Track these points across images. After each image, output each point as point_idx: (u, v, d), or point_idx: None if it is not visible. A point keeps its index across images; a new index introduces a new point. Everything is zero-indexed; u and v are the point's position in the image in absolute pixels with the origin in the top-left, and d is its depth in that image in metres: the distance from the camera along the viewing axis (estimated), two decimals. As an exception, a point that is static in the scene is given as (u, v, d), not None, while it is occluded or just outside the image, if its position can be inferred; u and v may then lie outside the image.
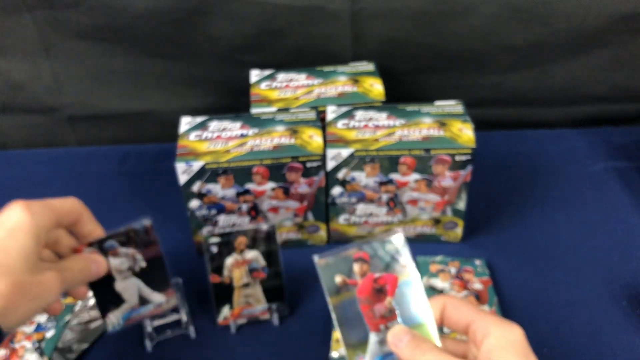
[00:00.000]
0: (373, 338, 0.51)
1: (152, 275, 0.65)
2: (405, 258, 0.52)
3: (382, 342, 0.50)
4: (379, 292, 0.52)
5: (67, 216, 0.60)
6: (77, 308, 0.74)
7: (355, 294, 0.51)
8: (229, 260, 0.70)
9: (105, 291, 0.64)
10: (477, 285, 0.73)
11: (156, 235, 0.65)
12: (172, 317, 0.72)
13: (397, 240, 0.52)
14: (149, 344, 0.70)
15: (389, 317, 0.51)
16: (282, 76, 0.85)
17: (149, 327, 0.71)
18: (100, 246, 0.63)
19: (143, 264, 0.65)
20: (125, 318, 0.66)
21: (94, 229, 0.63)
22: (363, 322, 0.51)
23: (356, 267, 0.52)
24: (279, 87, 0.83)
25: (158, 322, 0.72)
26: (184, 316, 0.72)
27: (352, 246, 0.51)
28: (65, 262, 0.59)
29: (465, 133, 0.73)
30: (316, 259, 0.51)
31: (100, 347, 0.71)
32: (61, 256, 0.60)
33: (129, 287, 0.65)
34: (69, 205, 0.61)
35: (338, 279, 0.52)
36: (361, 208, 0.78)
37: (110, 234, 0.64)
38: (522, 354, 0.44)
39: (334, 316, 0.50)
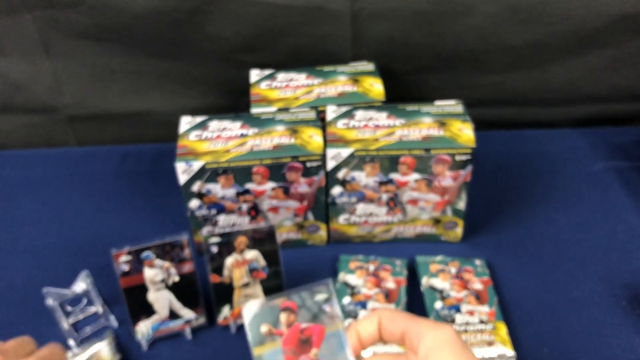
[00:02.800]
0: None
1: (184, 291, 0.69)
2: (334, 308, 0.51)
3: None
4: (305, 343, 0.51)
5: None
6: None
7: (280, 345, 0.50)
8: (229, 260, 0.70)
9: (137, 300, 0.67)
10: (477, 285, 0.74)
11: (191, 252, 0.67)
12: (89, 311, 0.72)
13: (326, 290, 0.51)
14: (72, 343, 0.70)
15: None
16: (282, 76, 0.85)
17: (65, 324, 0.70)
18: (136, 256, 0.65)
19: (176, 278, 0.68)
20: (155, 329, 0.69)
21: None
22: None
23: (283, 317, 0.51)
24: (279, 87, 0.83)
25: (74, 319, 0.72)
26: (99, 308, 0.72)
27: (280, 295, 0.50)
28: None
29: (465, 133, 0.73)
30: (243, 308, 0.50)
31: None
32: None
33: (160, 299, 0.69)
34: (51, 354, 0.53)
35: (264, 328, 0.50)
36: (361, 208, 0.78)
37: (148, 245, 0.66)
38: (458, 350, 0.45)
39: None
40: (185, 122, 0.77)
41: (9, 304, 0.76)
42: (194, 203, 0.75)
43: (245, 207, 0.77)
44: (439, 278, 0.75)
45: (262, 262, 0.70)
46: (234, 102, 0.97)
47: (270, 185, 0.75)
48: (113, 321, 0.72)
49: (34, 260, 0.81)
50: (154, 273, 0.68)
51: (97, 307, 0.72)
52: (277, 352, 0.50)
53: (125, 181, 0.94)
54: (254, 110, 0.81)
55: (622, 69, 0.95)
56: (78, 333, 0.71)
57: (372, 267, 0.76)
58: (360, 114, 0.77)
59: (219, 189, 0.74)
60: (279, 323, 0.51)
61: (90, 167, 0.97)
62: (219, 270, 0.70)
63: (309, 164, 0.73)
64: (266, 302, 0.51)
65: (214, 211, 0.76)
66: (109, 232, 0.84)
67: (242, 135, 0.74)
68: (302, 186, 0.75)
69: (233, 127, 0.76)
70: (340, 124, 0.76)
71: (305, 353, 0.50)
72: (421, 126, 0.74)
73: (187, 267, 0.69)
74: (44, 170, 0.97)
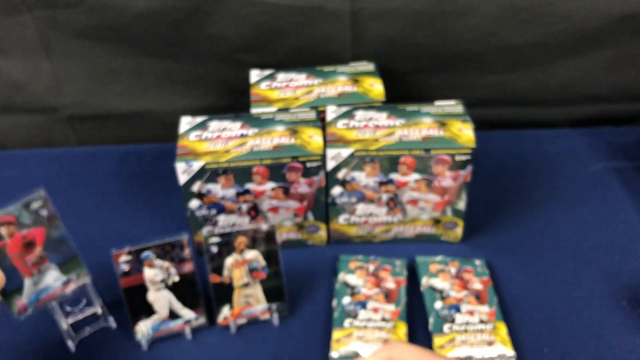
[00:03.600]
0: (28, 282, 0.64)
1: (184, 291, 0.70)
2: (50, 211, 0.64)
3: (35, 283, 0.64)
4: (29, 245, 0.64)
5: None
6: None
7: (6, 252, 0.62)
8: (229, 260, 0.70)
9: (137, 300, 0.68)
10: (477, 285, 0.74)
11: (191, 252, 0.67)
12: (87, 312, 0.72)
13: (41, 195, 0.64)
14: (71, 344, 0.70)
15: (40, 262, 0.64)
16: (282, 76, 0.85)
17: (64, 324, 0.70)
18: (136, 256, 0.65)
19: (176, 278, 0.69)
20: (155, 329, 0.69)
21: None
22: (17, 272, 0.63)
23: (3, 230, 0.62)
24: (279, 87, 0.83)
25: (73, 319, 0.71)
26: (98, 309, 0.72)
27: None
28: None
29: (465, 133, 0.73)
30: None
31: (89, 345, 0.71)
32: None
33: (160, 299, 0.69)
34: None
35: None
36: (361, 208, 0.78)
37: (148, 245, 0.67)
38: None
39: None
40: (185, 122, 0.77)
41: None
42: (194, 203, 0.75)
43: (245, 207, 0.77)
44: (439, 278, 0.75)
45: (262, 262, 0.70)
46: (234, 102, 0.97)
47: (270, 185, 0.75)
48: (112, 322, 0.72)
49: (34, 260, 0.81)
50: (154, 273, 0.68)
51: (97, 308, 0.72)
52: (3, 258, 0.62)
53: (125, 181, 0.94)
54: (254, 110, 0.81)
55: (622, 69, 0.95)
56: (77, 334, 0.71)
57: (372, 267, 0.76)
58: (360, 114, 0.77)
59: (219, 189, 0.74)
60: (2, 236, 0.62)
61: (90, 167, 0.97)
62: (219, 270, 0.70)
63: (309, 164, 0.73)
64: None
65: (214, 211, 0.77)
66: (109, 232, 0.84)
67: (242, 136, 0.74)
68: (302, 186, 0.75)
69: (233, 127, 0.76)
70: (340, 124, 0.76)
71: (31, 253, 0.64)
72: (421, 126, 0.74)
73: (187, 267, 0.69)
74: (44, 170, 0.97)
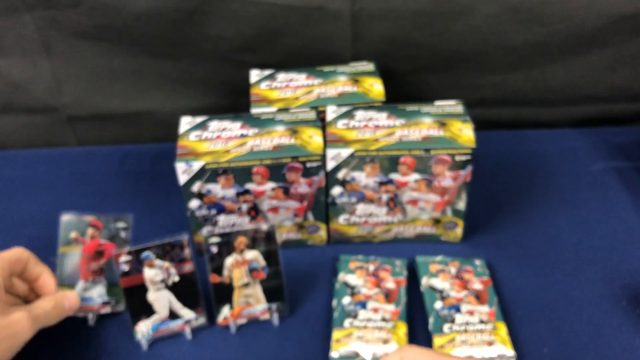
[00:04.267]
0: (81, 284, 0.71)
1: (184, 291, 0.70)
2: (127, 236, 0.73)
3: (86, 289, 0.71)
4: (99, 254, 0.71)
5: (16, 265, 0.66)
6: None
7: (81, 250, 0.71)
8: (229, 260, 0.70)
9: (137, 300, 0.68)
10: (477, 285, 0.74)
11: (191, 252, 0.68)
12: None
13: (128, 220, 0.73)
14: (91, 316, 0.72)
15: (98, 273, 0.71)
16: (282, 76, 0.85)
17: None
18: (136, 256, 0.66)
19: (176, 278, 0.69)
20: (155, 329, 0.69)
21: (42, 271, 0.68)
22: (78, 270, 0.71)
23: (90, 231, 0.71)
24: (279, 87, 0.83)
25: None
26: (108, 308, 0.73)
27: (89, 214, 0.72)
28: (36, 302, 0.65)
29: (465, 133, 0.73)
30: (63, 216, 0.71)
31: (87, 340, 0.71)
32: (27, 300, 0.67)
33: (160, 299, 0.69)
34: (17, 254, 0.66)
35: (73, 234, 0.71)
36: (361, 208, 0.78)
37: (148, 245, 0.67)
38: None
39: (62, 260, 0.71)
40: (185, 122, 0.77)
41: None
42: (194, 203, 0.75)
43: (245, 207, 0.77)
44: (439, 278, 0.75)
45: (262, 262, 0.70)
46: (234, 102, 0.97)
47: (270, 185, 0.75)
48: (91, 320, 0.73)
49: (34, 260, 0.81)
50: (154, 273, 0.68)
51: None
52: (76, 254, 0.71)
53: (125, 181, 0.94)
54: (254, 110, 0.81)
55: (622, 69, 0.95)
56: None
57: (372, 267, 0.76)
58: (360, 114, 0.77)
59: (219, 189, 0.74)
60: (86, 234, 0.72)
61: (90, 167, 0.97)
62: (218, 270, 0.70)
63: (309, 164, 0.73)
64: (78, 214, 0.72)
65: (214, 211, 0.77)
66: (109, 232, 0.84)
67: (242, 136, 0.74)
68: (302, 186, 0.75)
69: (233, 127, 0.76)
70: (340, 124, 0.76)
71: (97, 261, 0.72)
72: (421, 126, 0.74)
73: (187, 267, 0.69)
74: (44, 170, 0.97)
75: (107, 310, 0.72)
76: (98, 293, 0.72)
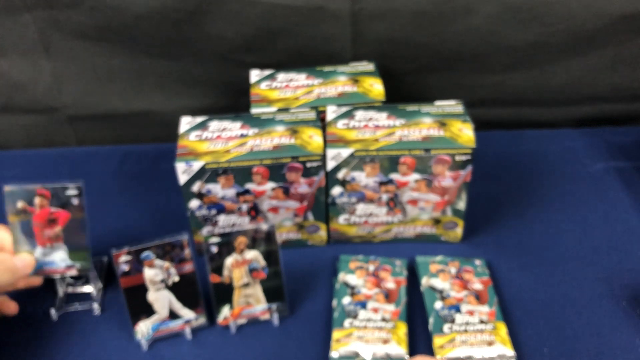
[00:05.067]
0: (39, 250, 0.71)
1: (184, 291, 0.70)
2: (81, 202, 0.71)
3: (44, 254, 0.71)
4: (52, 222, 0.71)
5: None
6: None
7: (31, 218, 0.71)
8: (229, 260, 0.70)
9: (137, 300, 0.68)
10: (477, 285, 0.74)
11: (191, 252, 0.68)
12: (84, 289, 0.75)
13: (78, 188, 0.71)
14: (54, 313, 0.73)
15: (55, 239, 0.71)
16: (282, 76, 0.85)
17: (61, 291, 0.74)
18: (136, 256, 0.66)
19: (176, 278, 0.69)
20: (155, 329, 0.69)
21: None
22: (33, 238, 0.71)
23: (37, 200, 0.71)
24: (279, 87, 0.83)
25: (72, 290, 0.75)
26: (93, 290, 0.75)
27: (37, 185, 0.70)
28: None
29: (465, 133, 0.73)
30: (5, 187, 0.70)
31: (87, 340, 0.71)
32: None
33: (160, 299, 0.70)
34: None
35: (20, 204, 0.70)
36: (361, 208, 0.78)
37: (148, 245, 0.67)
38: None
39: (14, 228, 0.71)
40: (185, 122, 0.77)
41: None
42: (194, 203, 0.75)
43: (245, 207, 0.77)
44: (439, 278, 0.75)
45: (262, 262, 0.70)
46: (234, 102, 0.97)
47: (270, 185, 0.75)
48: (96, 309, 0.74)
49: (34, 260, 0.81)
50: (154, 273, 0.68)
51: (91, 289, 0.75)
52: (27, 222, 0.71)
53: (125, 181, 0.94)
54: (254, 110, 0.81)
55: (622, 69, 0.96)
56: (66, 305, 0.74)
57: (372, 267, 0.76)
58: (360, 114, 0.77)
59: (219, 189, 0.74)
60: (34, 203, 0.71)
61: (90, 167, 0.97)
62: (219, 270, 0.70)
63: (309, 164, 0.73)
64: (24, 185, 0.71)
65: (214, 211, 0.77)
66: (109, 232, 0.84)
67: (242, 136, 0.74)
68: (302, 186, 0.75)
69: (233, 127, 0.76)
70: (340, 124, 0.76)
71: (51, 228, 0.71)
72: (421, 126, 0.74)
73: (187, 267, 0.69)
74: (44, 170, 0.97)
75: (73, 272, 0.72)
76: (60, 257, 0.72)
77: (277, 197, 0.76)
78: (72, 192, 0.71)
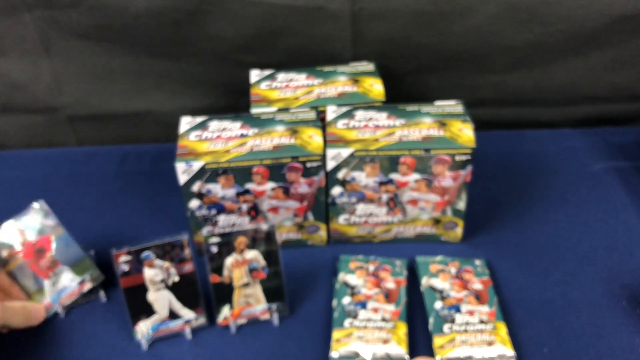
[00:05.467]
0: (47, 283, 0.72)
1: (184, 291, 0.70)
2: (52, 220, 0.72)
3: (54, 283, 0.72)
4: (40, 252, 0.72)
5: None
6: None
7: (22, 259, 0.71)
8: (229, 260, 0.70)
9: (137, 300, 0.68)
10: (477, 285, 0.74)
11: (191, 252, 0.68)
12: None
13: (41, 209, 0.72)
14: (60, 310, 0.73)
15: (53, 265, 0.72)
16: (282, 76, 0.85)
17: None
18: (136, 256, 0.66)
19: (176, 278, 0.69)
20: (155, 329, 0.69)
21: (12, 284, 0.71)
22: (35, 275, 0.71)
23: (17, 239, 0.70)
24: (279, 87, 0.83)
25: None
26: (89, 284, 0.75)
27: (3, 225, 0.70)
28: (7, 302, 0.67)
29: (465, 133, 0.73)
30: None
31: (87, 340, 0.71)
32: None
33: (160, 299, 0.70)
34: None
35: (4, 253, 0.70)
36: (361, 208, 0.78)
37: (148, 245, 0.67)
38: None
39: (14, 278, 0.71)
40: (185, 122, 0.77)
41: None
42: (194, 203, 0.75)
43: (245, 207, 0.77)
44: (438, 278, 0.75)
45: (262, 262, 0.70)
46: (234, 102, 0.97)
47: (270, 185, 0.75)
48: (102, 296, 0.75)
49: (34, 260, 0.81)
50: (154, 273, 0.68)
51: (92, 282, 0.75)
52: (22, 265, 0.71)
53: (125, 181, 0.94)
54: (254, 110, 0.81)
55: (622, 69, 0.96)
56: (70, 303, 0.74)
57: (372, 267, 0.76)
58: (360, 114, 0.77)
59: (219, 189, 0.74)
60: (14, 246, 0.71)
61: (90, 167, 0.97)
62: (219, 270, 0.70)
63: (309, 164, 0.73)
64: None
65: (214, 211, 0.77)
66: (109, 232, 0.84)
67: (242, 136, 0.74)
68: (302, 186, 0.75)
69: (233, 127, 0.76)
70: (340, 124, 0.76)
71: (43, 258, 0.72)
72: (421, 126, 0.74)
73: (187, 267, 0.69)
74: (44, 170, 0.97)
75: (89, 286, 0.73)
76: (68, 279, 0.72)
77: (277, 197, 0.76)
78: (38, 215, 0.72)
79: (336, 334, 0.68)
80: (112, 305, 0.74)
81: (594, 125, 1.01)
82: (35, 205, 0.72)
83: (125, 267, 0.67)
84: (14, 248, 0.71)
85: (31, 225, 0.71)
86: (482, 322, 0.69)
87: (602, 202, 0.86)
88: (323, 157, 0.73)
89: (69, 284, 0.72)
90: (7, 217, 0.87)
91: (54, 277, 0.72)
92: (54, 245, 0.72)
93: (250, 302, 0.71)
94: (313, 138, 0.74)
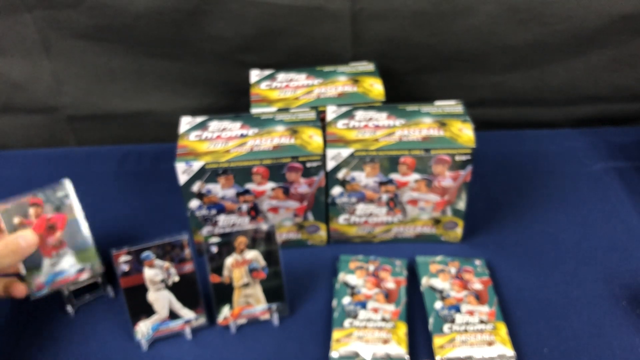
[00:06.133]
0: (46, 262, 0.70)
1: (184, 291, 0.70)
2: (73, 200, 0.71)
3: (53, 264, 0.70)
4: (51, 228, 0.70)
5: None
6: None
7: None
8: (229, 260, 0.70)
9: (137, 300, 0.68)
10: (477, 285, 0.74)
11: (191, 252, 0.68)
12: (89, 280, 0.74)
13: (66, 186, 0.70)
14: (70, 309, 0.73)
15: (59, 246, 0.71)
16: (282, 76, 0.85)
17: (66, 291, 0.73)
18: (136, 256, 0.66)
19: (176, 278, 0.69)
20: (155, 329, 0.69)
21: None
22: (38, 252, 0.69)
23: (31, 211, 0.69)
24: (279, 87, 0.83)
25: (75, 287, 0.74)
26: (98, 278, 0.74)
27: (26, 194, 0.69)
28: None
29: (465, 133, 0.73)
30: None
31: (87, 340, 0.71)
32: None
33: (160, 299, 0.70)
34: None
35: (16, 219, 0.69)
36: (361, 208, 0.78)
37: (148, 245, 0.67)
38: None
39: None
40: (185, 122, 0.77)
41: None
42: (194, 203, 0.75)
43: (245, 207, 0.77)
44: (438, 278, 0.75)
45: (262, 262, 0.70)
46: (234, 102, 0.97)
47: (270, 185, 0.75)
48: (110, 291, 0.75)
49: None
50: (154, 273, 0.68)
51: (97, 278, 0.74)
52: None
53: (125, 181, 0.94)
54: (254, 110, 0.81)
55: (622, 69, 0.96)
56: (77, 299, 0.74)
57: (372, 267, 0.76)
58: (360, 114, 0.77)
59: (219, 189, 0.74)
60: (29, 215, 0.69)
61: (90, 167, 0.97)
62: (219, 270, 0.70)
63: (309, 164, 0.73)
64: (15, 200, 0.69)
65: (214, 211, 0.77)
66: (109, 232, 0.84)
67: (242, 136, 0.74)
68: (302, 186, 0.75)
69: (233, 127, 0.76)
70: (340, 124, 0.76)
71: (52, 235, 0.70)
72: (421, 126, 0.74)
73: (187, 267, 0.69)
74: (44, 170, 0.97)
75: (85, 276, 0.72)
76: (69, 263, 0.72)
77: (277, 197, 0.76)
78: (62, 192, 0.70)
79: (336, 334, 0.68)
80: (112, 305, 0.74)
81: (594, 125, 1.01)
82: (63, 181, 0.70)
83: (125, 267, 0.67)
84: (27, 217, 0.69)
85: (51, 200, 0.70)
86: (482, 322, 0.69)
87: (602, 202, 0.86)
88: (323, 157, 0.73)
89: (67, 268, 0.71)
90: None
91: (55, 257, 0.71)
92: (66, 227, 0.71)
93: (250, 302, 0.71)
94: (313, 138, 0.74)
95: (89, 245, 0.73)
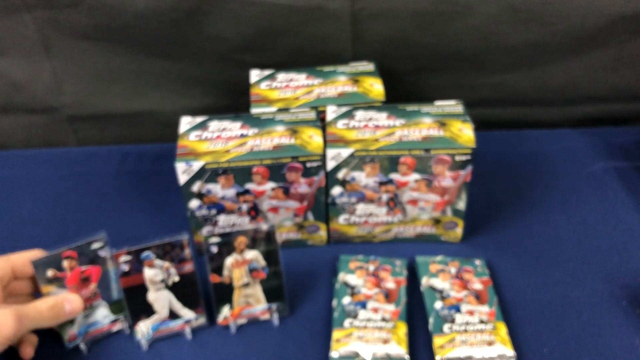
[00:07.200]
0: (80, 314, 0.68)
1: (184, 291, 0.70)
2: (106, 252, 0.69)
3: (86, 316, 0.69)
4: (85, 281, 0.69)
5: (24, 267, 0.66)
6: None
7: (65, 283, 0.67)
8: (229, 260, 0.70)
9: (137, 300, 0.68)
10: (477, 285, 0.74)
11: (191, 252, 0.68)
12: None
13: (101, 240, 0.69)
14: (83, 347, 0.70)
15: (93, 298, 0.69)
16: (282, 76, 0.85)
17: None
18: (136, 256, 0.66)
19: (176, 278, 0.69)
20: (155, 329, 0.69)
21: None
22: None
23: (65, 263, 0.67)
24: (279, 87, 0.83)
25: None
26: (119, 324, 0.72)
27: (62, 247, 0.67)
28: (33, 302, 0.64)
29: (465, 133, 0.73)
30: (31, 260, 0.66)
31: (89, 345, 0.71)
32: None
33: (160, 299, 0.70)
34: (28, 257, 0.66)
35: (50, 273, 0.67)
36: (361, 208, 0.78)
37: (148, 245, 0.67)
38: None
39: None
40: (185, 122, 0.77)
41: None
42: (194, 203, 0.75)
43: (245, 207, 0.77)
44: (438, 278, 0.75)
45: (262, 262, 0.70)
46: (234, 102, 0.97)
47: (270, 185, 0.75)
48: (126, 329, 0.72)
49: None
50: (154, 273, 0.68)
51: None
52: (63, 289, 0.68)
53: (125, 181, 0.94)
54: (254, 110, 0.81)
55: (622, 69, 0.96)
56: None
57: (372, 267, 0.76)
58: (360, 114, 0.77)
59: (219, 189, 0.74)
60: (63, 268, 0.67)
61: (90, 167, 0.97)
62: (219, 270, 0.70)
63: (309, 164, 0.73)
64: (50, 253, 0.67)
65: (214, 211, 0.77)
66: (109, 232, 0.84)
67: (242, 136, 0.74)
68: (302, 186, 0.75)
69: (233, 127, 0.76)
70: (340, 124, 0.76)
71: (86, 287, 0.69)
72: (421, 126, 0.74)
73: (187, 267, 0.69)
74: (44, 170, 0.97)
75: (119, 327, 0.71)
76: (102, 315, 0.70)
77: (277, 197, 0.76)
78: (97, 244, 0.69)
79: (336, 334, 0.68)
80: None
81: (594, 125, 1.01)
82: (99, 235, 0.69)
83: (125, 267, 0.67)
84: (61, 270, 0.67)
85: (85, 252, 0.68)
86: (482, 322, 0.69)
87: (602, 202, 0.86)
88: (323, 157, 0.73)
89: (101, 319, 0.70)
90: (7, 216, 0.88)
91: (89, 309, 0.69)
92: (100, 279, 0.70)
93: (250, 302, 0.71)
94: (313, 138, 0.74)
95: (121, 297, 0.70)
